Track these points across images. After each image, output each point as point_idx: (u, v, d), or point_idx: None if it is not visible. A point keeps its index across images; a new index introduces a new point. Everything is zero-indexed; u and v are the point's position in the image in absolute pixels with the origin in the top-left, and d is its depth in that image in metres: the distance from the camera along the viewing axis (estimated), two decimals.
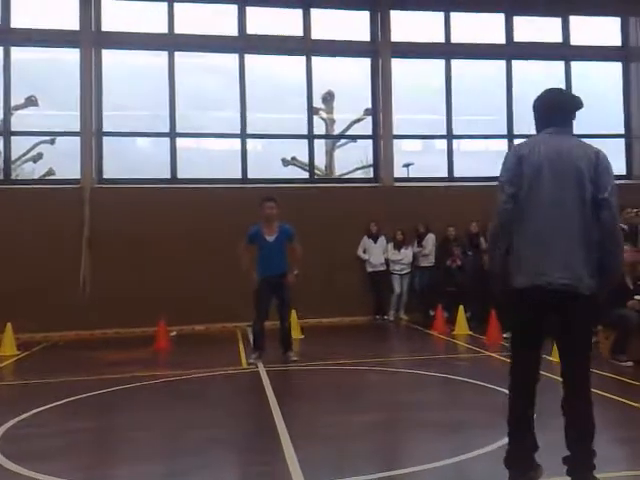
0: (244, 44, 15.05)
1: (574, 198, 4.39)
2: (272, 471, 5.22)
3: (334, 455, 5.62)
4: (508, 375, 4.66)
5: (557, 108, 4.84)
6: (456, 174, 15.69)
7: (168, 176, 14.68)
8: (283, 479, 4.98)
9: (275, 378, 8.57)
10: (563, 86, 16.23)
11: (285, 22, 15.24)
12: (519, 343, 4.74)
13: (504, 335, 11.35)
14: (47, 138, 14.60)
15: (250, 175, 14.98)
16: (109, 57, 14.67)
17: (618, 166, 16.42)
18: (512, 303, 4.61)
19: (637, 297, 9.26)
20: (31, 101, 14.51)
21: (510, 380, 4.66)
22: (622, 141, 16.64)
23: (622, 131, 16.64)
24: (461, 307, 12.49)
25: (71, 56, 14.23)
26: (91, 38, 14.29)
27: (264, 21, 15.06)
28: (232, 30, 15.01)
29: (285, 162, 15.53)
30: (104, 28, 14.60)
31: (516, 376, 4.74)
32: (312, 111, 15.42)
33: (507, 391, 4.69)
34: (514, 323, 4.75)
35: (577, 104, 4.99)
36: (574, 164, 4.51)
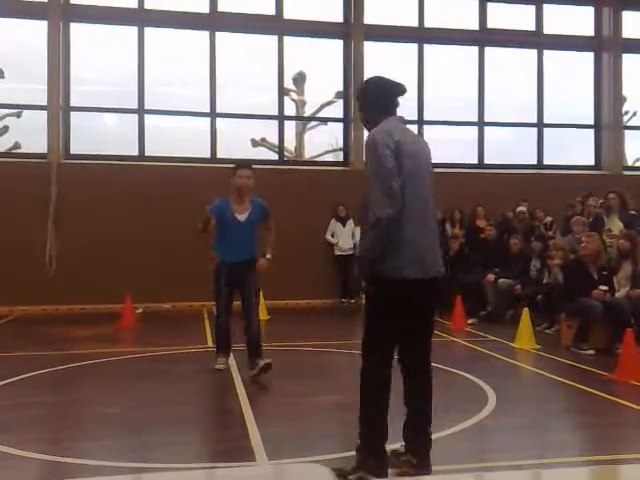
0: (215, 21, 14.89)
1: (430, 188, 4.74)
2: (236, 448, 5.23)
3: (298, 434, 5.64)
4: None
5: (394, 96, 4.77)
6: None
7: (136, 153, 14.52)
8: (247, 457, 4.99)
9: (241, 357, 8.55)
10: (535, 74, 16.34)
11: (257, 1, 15.07)
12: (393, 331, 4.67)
13: (469, 321, 11.46)
14: (13, 111, 14.37)
15: (219, 155, 14.86)
16: (77, 31, 14.42)
17: (587, 156, 16.57)
18: (394, 292, 4.48)
19: (601, 287, 9.35)
20: None
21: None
22: (592, 131, 16.75)
23: (592, 122, 16.76)
24: None
25: (39, 29, 13.96)
26: (59, 11, 14.03)
27: None
28: (203, 7, 14.84)
29: (254, 143, 15.43)
30: (73, 1, 14.35)
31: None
32: (283, 92, 15.33)
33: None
34: (388, 312, 4.58)
35: (404, 90, 4.88)
36: (428, 155, 4.82)
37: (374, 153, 4.42)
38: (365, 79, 4.94)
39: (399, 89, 4.78)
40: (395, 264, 4.39)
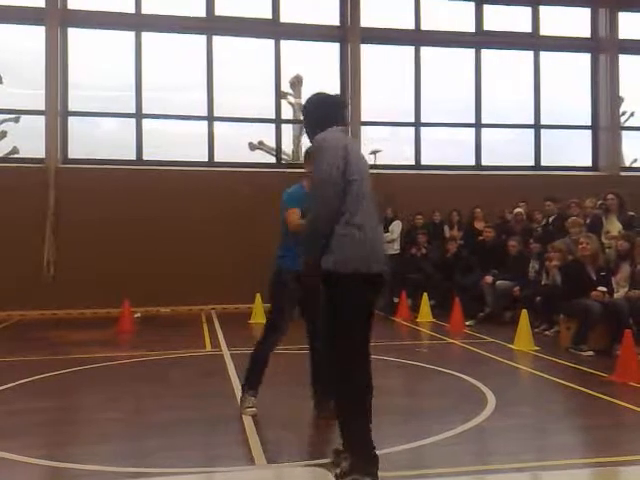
0: (212, 26, 14.91)
1: (371, 191, 4.71)
2: (235, 452, 5.22)
3: (295, 438, 5.64)
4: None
5: (333, 108, 5.01)
6: (423, 162, 15.74)
7: (134, 157, 14.52)
8: (246, 461, 4.99)
9: (239, 361, 8.53)
10: (532, 76, 16.37)
11: (254, 5, 15.08)
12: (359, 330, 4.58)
13: (467, 323, 11.46)
14: (11, 116, 14.37)
15: (217, 158, 14.88)
16: (75, 36, 14.42)
17: (584, 157, 16.59)
18: (349, 288, 4.46)
19: (600, 288, 9.35)
20: None
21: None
22: (589, 133, 16.77)
23: (589, 122, 16.78)
24: (425, 294, 12.55)
25: (36, 34, 13.96)
26: (57, 16, 14.03)
27: (233, 3, 14.90)
28: (200, 11, 14.86)
29: (252, 146, 15.44)
30: (70, 6, 14.37)
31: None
32: (280, 95, 15.34)
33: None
34: (350, 310, 4.50)
35: (342, 102, 5.36)
36: (366, 162, 4.88)
37: (320, 155, 4.56)
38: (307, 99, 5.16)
39: (337, 101, 5.11)
40: (343, 258, 4.46)
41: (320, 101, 5.06)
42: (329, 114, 4.91)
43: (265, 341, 6.26)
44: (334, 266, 4.43)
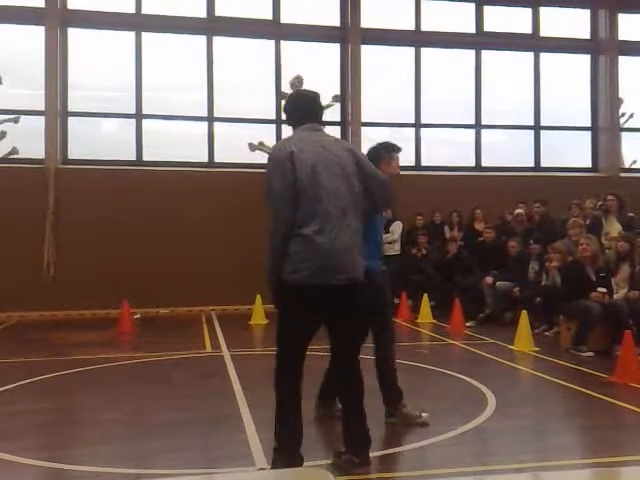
0: (212, 26, 14.91)
1: (344, 192, 4.57)
2: (236, 453, 5.22)
3: None
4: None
5: (308, 106, 4.98)
6: (423, 163, 15.74)
7: (134, 158, 14.52)
8: (247, 462, 4.98)
9: (239, 362, 8.55)
10: (532, 77, 16.38)
11: (254, 5, 15.08)
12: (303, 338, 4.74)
13: (468, 324, 11.46)
14: (11, 116, 14.34)
15: (217, 159, 14.89)
16: (75, 36, 14.41)
17: (584, 158, 16.60)
18: (296, 299, 4.57)
19: (600, 289, 9.35)
20: None
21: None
22: (588, 134, 16.79)
23: (589, 124, 16.79)
24: (425, 295, 12.54)
25: (36, 34, 13.95)
26: (57, 16, 14.03)
27: (233, 3, 14.90)
28: (201, 12, 14.86)
29: (252, 147, 15.43)
30: (70, 6, 14.37)
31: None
32: (280, 96, 15.33)
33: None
34: (296, 320, 4.67)
35: (316, 99, 5.15)
36: (339, 161, 4.65)
37: (268, 170, 4.60)
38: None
39: (307, 99, 5.04)
40: (292, 269, 4.49)
41: (292, 99, 5.11)
42: (300, 111, 4.91)
43: (381, 347, 6.10)
44: (285, 276, 4.51)
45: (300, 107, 4.94)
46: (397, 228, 14.07)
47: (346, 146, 4.90)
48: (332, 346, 4.86)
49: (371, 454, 4.78)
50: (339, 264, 4.51)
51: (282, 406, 4.65)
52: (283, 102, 5.20)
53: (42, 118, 13.91)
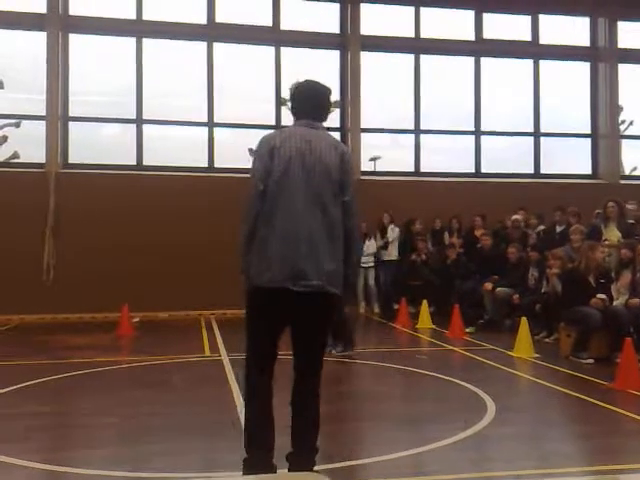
0: (213, 32, 14.95)
1: (320, 194, 4.30)
2: (234, 458, 5.20)
3: None
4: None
5: (313, 99, 4.66)
6: (423, 169, 15.75)
7: (134, 163, 14.54)
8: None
9: (238, 366, 8.52)
10: (532, 85, 16.40)
11: (255, 12, 15.12)
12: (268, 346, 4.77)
13: (467, 330, 11.45)
14: (12, 121, 14.38)
15: (217, 164, 14.90)
16: (76, 42, 14.45)
17: (584, 165, 16.61)
18: (261, 302, 4.57)
19: (600, 296, 9.34)
20: None
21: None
22: (588, 141, 16.80)
23: (588, 131, 16.81)
24: (425, 301, 12.54)
25: (38, 40, 13.99)
26: (58, 22, 14.06)
27: (233, 10, 14.93)
28: (201, 18, 14.89)
29: (252, 152, 15.43)
30: (72, 12, 14.40)
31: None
32: (280, 102, 15.35)
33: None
34: (260, 324, 4.69)
35: (328, 98, 4.83)
36: (322, 161, 4.33)
37: (252, 163, 4.48)
38: None
39: (314, 95, 4.72)
40: (256, 270, 4.40)
41: (297, 89, 4.73)
42: (299, 104, 4.63)
43: None
44: (247, 279, 4.50)
45: (300, 100, 4.64)
46: (392, 233, 14.09)
47: (340, 149, 4.48)
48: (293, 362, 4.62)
49: (370, 459, 4.77)
50: (300, 269, 4.22)
51: (250, 421, 4.67)
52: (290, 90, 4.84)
53: (43, 123, 13.95)
